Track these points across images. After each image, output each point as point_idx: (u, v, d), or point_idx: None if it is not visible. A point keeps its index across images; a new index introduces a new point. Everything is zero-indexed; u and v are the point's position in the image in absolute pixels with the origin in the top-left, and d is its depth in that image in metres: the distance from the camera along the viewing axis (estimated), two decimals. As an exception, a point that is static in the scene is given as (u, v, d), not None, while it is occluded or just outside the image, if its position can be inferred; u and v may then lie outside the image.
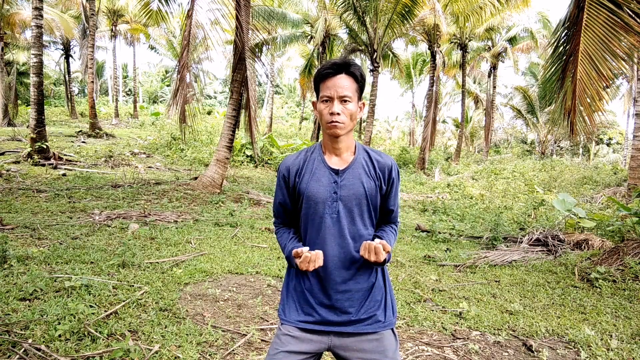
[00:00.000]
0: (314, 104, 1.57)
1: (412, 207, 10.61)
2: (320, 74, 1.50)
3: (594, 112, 5.03)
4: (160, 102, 47.23)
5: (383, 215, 1.61)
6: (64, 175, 10.17)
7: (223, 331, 3.15)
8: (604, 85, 4.90)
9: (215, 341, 2.98)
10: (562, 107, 5.27)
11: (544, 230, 6.66)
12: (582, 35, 4.96)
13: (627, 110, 28.42)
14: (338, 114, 1.46)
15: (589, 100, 4.96)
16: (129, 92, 50.63)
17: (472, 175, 17.27)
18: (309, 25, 21.38)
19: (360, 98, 1.54)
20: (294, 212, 1.61)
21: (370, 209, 1.53)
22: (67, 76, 28.24)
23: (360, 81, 1.51)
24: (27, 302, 3.27)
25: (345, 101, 1.47)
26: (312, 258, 1.40)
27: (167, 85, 50.78)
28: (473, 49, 24.65)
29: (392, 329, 1.56)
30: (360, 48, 18.37)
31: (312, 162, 1.55)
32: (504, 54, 24.45)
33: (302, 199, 1.53)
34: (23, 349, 2.56)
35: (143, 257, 4.68)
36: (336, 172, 1.52)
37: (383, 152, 1.63)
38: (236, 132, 10.45)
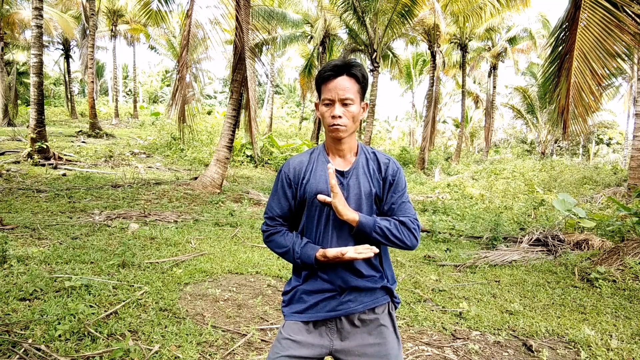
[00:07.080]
0: (316, 105, 1.56)
1: (412, 207, 10.60)
2: (321, 76, 1.48)
3: (587, 111, 5.03)
4: (160, 102, 47.21)
5: (388, 214, 1.54)
6: (64, 175, 10.17)
7: (223, 331, 3.15)
8: (599, 83, 4.90)
9: (215, 341, 2.98)
10: (557, 106, 5.28)
11: (544, 230, 6.66)
12: (578, 33, 4.96)
13: (627, 110, 28.40)
14: (340, 117, 1.45)
15: (583, 99, 4.96)
16: (129, 92, 50.63)
17: (472, 175, 17.26)
18: (309, 25, 21.38)
19: (362, 99, 1.51)
20: (295, 214, 1.59)
21: (373, 209, 1.52)
22: (67, 76, 28.25)
23: (362, 82, 1.48)
24: (27, 302, 3.27)
25: (347, 104, 1.45)
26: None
27: (167, 85, 50.77)
28: (473, 49, 24.66)
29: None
30: (360, 48, 18.37)
31: (317, 164, 1.54)
32: (504, 54, 24.45)
33: (306, 200, 1.52)
34: (23, 349, 2.56)
35: (143, 257, 4.68)
36: (341, 173, 1.50)
37: (386, 153, 1.62)
38: (236, 132, 10.45)
